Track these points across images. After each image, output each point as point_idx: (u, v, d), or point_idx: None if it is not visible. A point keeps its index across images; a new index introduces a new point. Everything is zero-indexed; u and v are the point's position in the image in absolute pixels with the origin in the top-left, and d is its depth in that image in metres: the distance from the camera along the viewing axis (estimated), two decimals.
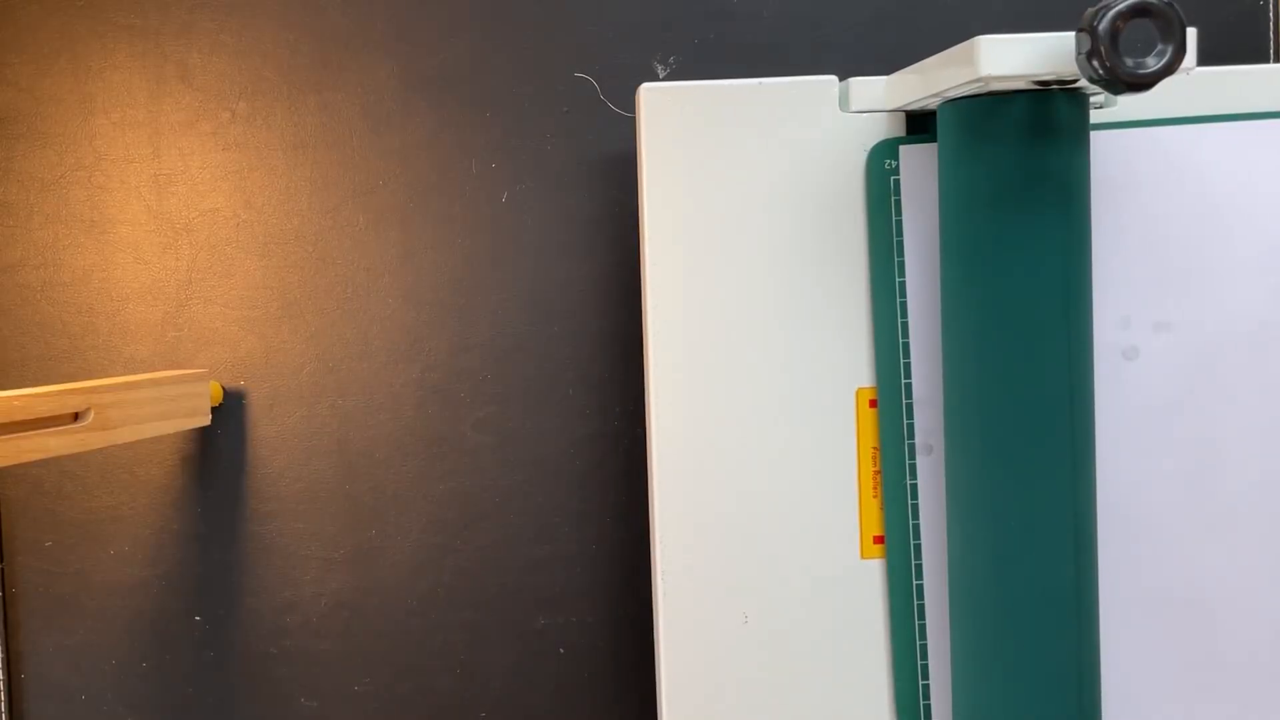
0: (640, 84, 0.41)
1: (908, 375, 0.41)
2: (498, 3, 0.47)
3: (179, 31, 0.48)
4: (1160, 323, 0.41)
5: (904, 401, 0.41)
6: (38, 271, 0.49)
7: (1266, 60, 0.47)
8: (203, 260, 0.49)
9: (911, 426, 0.41)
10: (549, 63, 0.48)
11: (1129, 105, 0.41)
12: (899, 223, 0.40)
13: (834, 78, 0.41)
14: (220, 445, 0.49)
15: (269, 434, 0.49)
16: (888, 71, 0.40)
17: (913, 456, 0.41)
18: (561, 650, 0.49)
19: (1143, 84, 0.30)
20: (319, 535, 0.49)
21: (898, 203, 0.40)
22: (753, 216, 0.41)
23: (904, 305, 0.40)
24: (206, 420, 0.47)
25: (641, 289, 0.41)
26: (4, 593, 0.49)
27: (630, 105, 0.47)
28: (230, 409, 0.49)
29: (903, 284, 0.40)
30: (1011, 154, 0.35)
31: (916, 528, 0.41)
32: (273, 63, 0.48)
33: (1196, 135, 0.40)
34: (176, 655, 0.49)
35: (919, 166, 0.40)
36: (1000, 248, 0.35)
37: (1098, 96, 0.38)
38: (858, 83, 0.40)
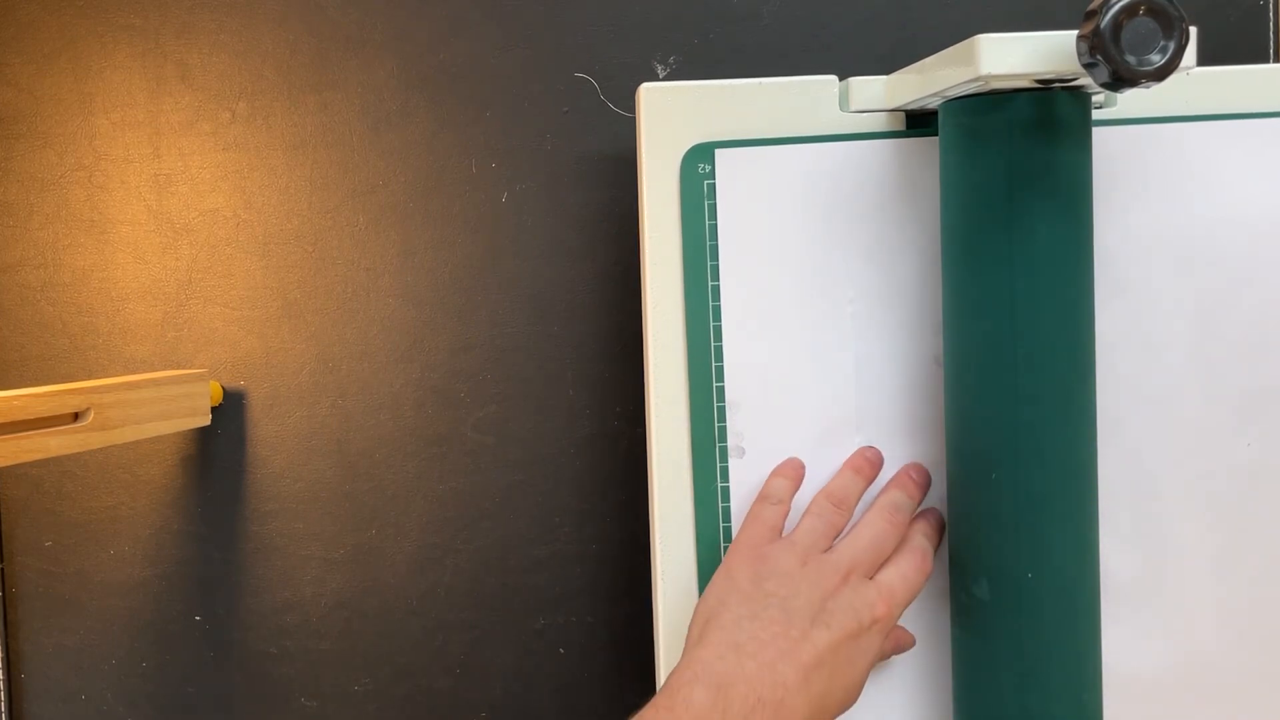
0: (640, 84, 0.41)
1: (720, 378, 0.41)
2: (498, 3, 0.47)
3: (179, 31, 0.48)
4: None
5: (715, 404, 0.41)
6: (38, 271, 0.49)
7: (1266, 60, 0.47)
8: (203, 260, 0.49)
9: (724, 430, 0.41)
10: (549, 63, 0.47)
11: (1129, 104, 0.40)
12: (713, 226, 0.40)
13: (834, 78, 0.41)
14: (220, 445, 0.49)
15: (269, 434, 0.49)
16: (888, 71, 0.40)
17: (724, 459, 0.41)
18: (561, 650, 0.49)
19: (1145, 80, 0.30)
20: (319, 535, 0.49)
21: (712, 206, 0.40)
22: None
23: (717, 309, 0.41)
24: (206, 420, 0.47)
25: (641, 289, 0.41)
26: (4, 593, 0.49)
27: (630, 105, 0.47)
28: (230, 409, 0.49)
29: (716, 287, 0.41)
30: (1013, 152, 0.35)
31: (728, 530, 0.41)
32: (273, 63, 0.48)
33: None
34: (176, 655, 0.49)
35: (735, 169, 0.40)
36: (1003, 245, 0.35)
37: (1098, 95, 0.38)
38: (858, 82, 0.40)
